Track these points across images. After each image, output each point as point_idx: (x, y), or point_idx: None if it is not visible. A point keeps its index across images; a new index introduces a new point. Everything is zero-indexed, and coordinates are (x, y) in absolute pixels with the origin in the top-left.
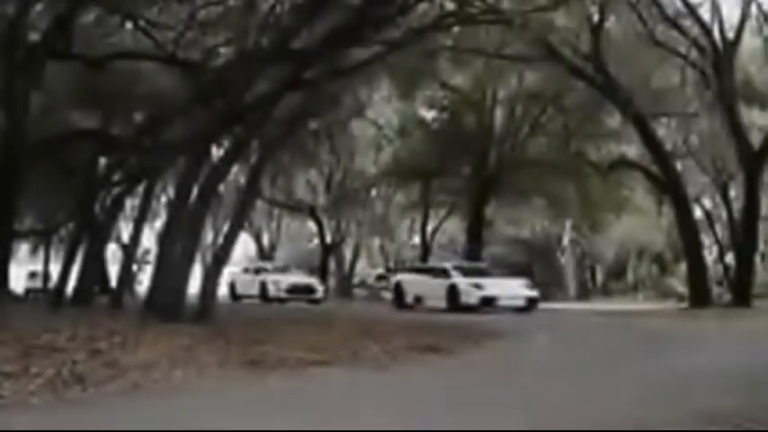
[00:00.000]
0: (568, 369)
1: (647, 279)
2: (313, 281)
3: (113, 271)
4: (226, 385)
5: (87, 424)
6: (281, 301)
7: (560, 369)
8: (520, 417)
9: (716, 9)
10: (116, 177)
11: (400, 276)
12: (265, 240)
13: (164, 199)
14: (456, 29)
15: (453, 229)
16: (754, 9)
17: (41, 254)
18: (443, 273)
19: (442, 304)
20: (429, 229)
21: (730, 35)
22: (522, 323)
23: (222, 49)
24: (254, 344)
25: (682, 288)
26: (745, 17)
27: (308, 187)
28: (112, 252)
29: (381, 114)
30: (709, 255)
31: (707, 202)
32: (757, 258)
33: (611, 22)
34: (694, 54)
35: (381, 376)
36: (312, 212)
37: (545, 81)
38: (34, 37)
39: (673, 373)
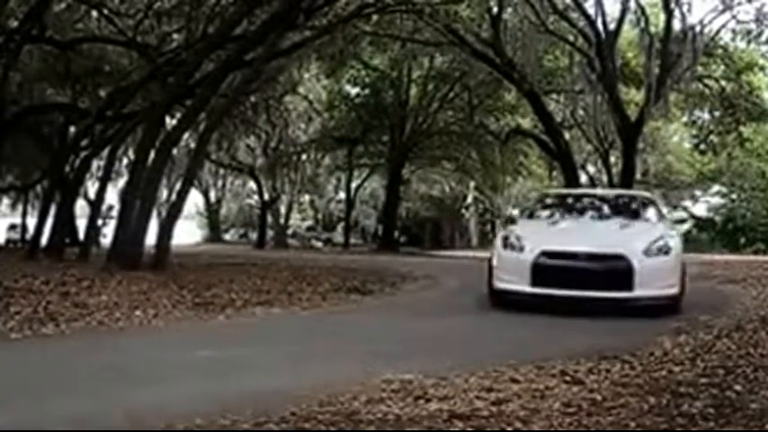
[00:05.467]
0: (467, 309)
1: None
2: None
3: (81, 225)
4: (179, 323)
5: (62, 354)
6: None
7: (458, 310)
8: (413, 344)
9: (599, 4)
10: (84, 143)
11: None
12: (212, 197)
13: (125, 161)
14: (375, 17)
15: (374, 186)
16: (632, 4)
17: (20, 208)
18: None
19: None
20: (353, 186)
21: (612, 26)
22: (431, 268)
23: (175, 35)
24: (205, 288)
25: None
26: (624, 11)
27: (248, 151)
28: (81, 208)
29: (311, 90)
30: None
31: (591, 168)
32: None
33: (508, 13)
34: (581, 41)
35: (313, 312)
36: (252, 173)
37: (452, 63)
38: (12, 23)
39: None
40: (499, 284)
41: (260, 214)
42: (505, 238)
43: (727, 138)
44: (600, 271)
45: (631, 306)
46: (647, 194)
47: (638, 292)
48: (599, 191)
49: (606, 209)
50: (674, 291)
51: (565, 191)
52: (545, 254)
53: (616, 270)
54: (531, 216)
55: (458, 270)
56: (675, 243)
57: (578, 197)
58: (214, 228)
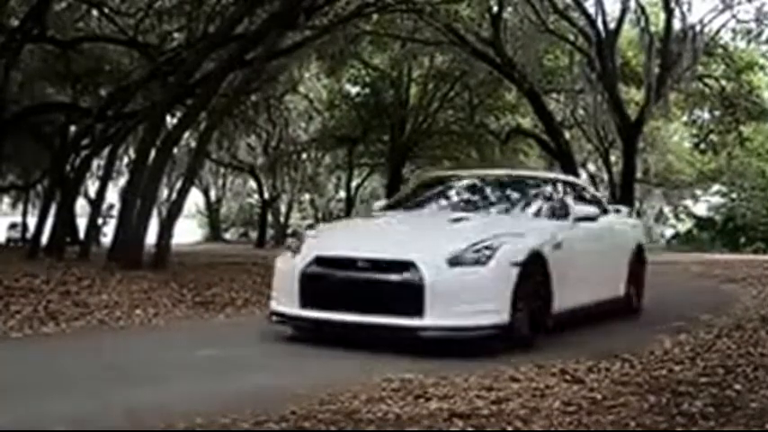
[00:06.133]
0: None
1: None
2: None
3: (82, 224)
4: (180, 322)
5: (62, 353)
6: None
7: None
8: (412, 342)
9: (599, 3)
10: (84, 142)
11: None
12: (213, 196)
13: (125, 160)
14: (375, 16)
15: (374, 185)
16: (632, 3)
17: (21, 207)
18: None
19: None
20: (353, 185)
21: (612, 25)
22: None
23: (176, 34)
24: (206, 287)
25: None
26: (625, 10)
27: (248, 150)
28: (81, 207)
29: (312, 89)
30: None
31: (591, 167)
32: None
33: (508, 13)
34: (581, 41)
35: None
36: (252, 172)
37: (452, 62)
38: (13, 23)
39: None
40: (273, 304)
41: (260, 213)
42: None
43: (728, 137)
44: (381, 286)
45: (423, 339)
46: (569, 179)
47: (431, 319)
48: (500, 172)
49: (487, 198)
50: (498, 319)
51: (450, 173)
52: (318, 260)
53: (401, 284)
54: (388, 209)
55: None
56: (510, 249)
57: (463, 182)
58: (214, 227)
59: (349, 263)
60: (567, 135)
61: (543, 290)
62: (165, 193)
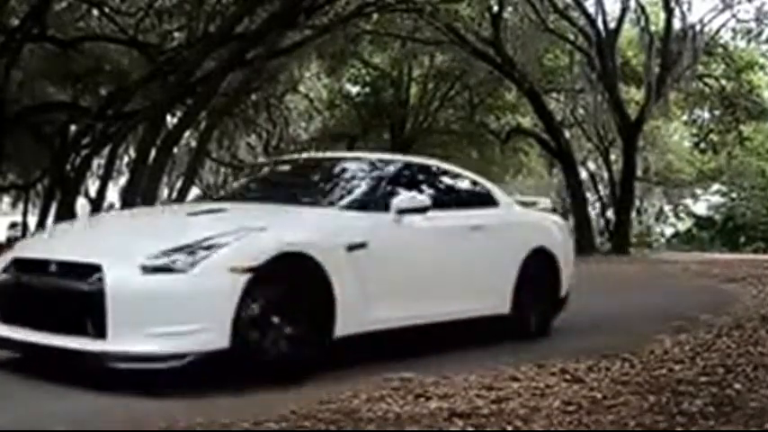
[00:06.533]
0: None
1: None
2: None
3: None
4: None
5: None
6: None
7: None
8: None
9: (599, 2)
10: (85, 141)
11: None
12: None
13: (126, 160)
14: (376, 16)
15: None
16: (633, 2)
17: (21, 206)
18: None
19: None
20: None
21: (612, 25)
22: None
23: (176, 34)
24: None
25: None
26: (625, 10)
27: (248, 149)
28: (81, 206)
29: (312, 89)
30: (593, 210)
31: (591, 165)
32: (633, 213)
33: (508, 12)
34: (581, 40)
35: None
36: None
37: (452, 61)
38: (13, 22)
39: None
40: None
41: None
42: None
43: (727, 136)
44: (66, 296)
45: (106, 370)
46: (426, 163)
47: (115, 343)
48: (334, 155)
49: (289, 186)
50: (212, 343)
51: (282, 158)
52: (17, 263)
53: (83, 296)
54: (199, 200)
55: None
56: (239, 249)
57: (283, 168)
58: None
59: (42, 266)
60: (567, 134)
61: (316, 304)
62: (165, 192)
